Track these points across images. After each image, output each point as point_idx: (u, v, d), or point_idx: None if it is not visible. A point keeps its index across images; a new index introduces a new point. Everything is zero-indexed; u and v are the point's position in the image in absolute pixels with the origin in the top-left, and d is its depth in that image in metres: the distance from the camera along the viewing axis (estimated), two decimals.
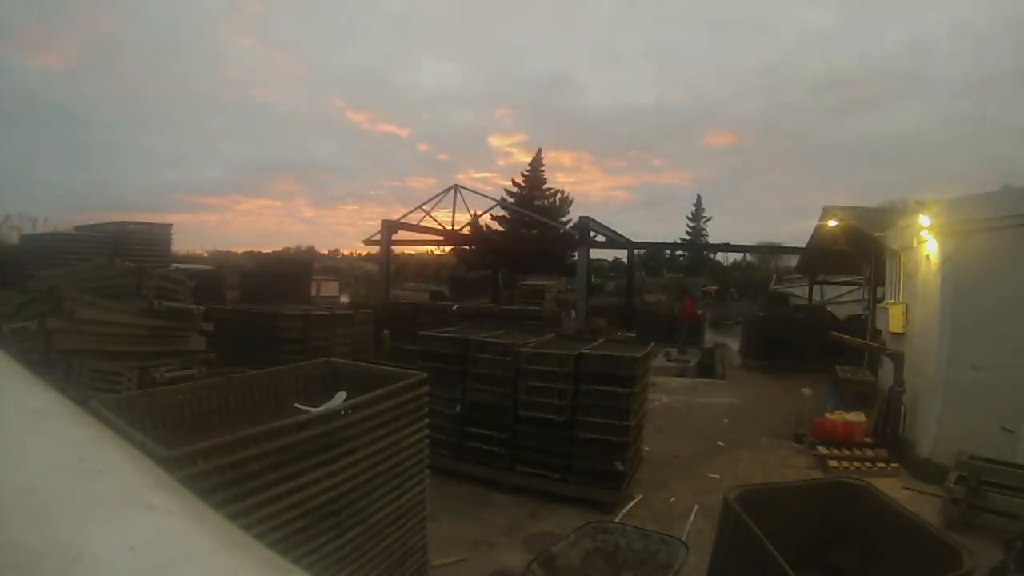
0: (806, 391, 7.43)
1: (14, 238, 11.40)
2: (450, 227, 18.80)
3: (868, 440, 6.49)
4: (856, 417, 6.58)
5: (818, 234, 11.84)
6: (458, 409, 5.58)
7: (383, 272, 15.73)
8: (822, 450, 6.30)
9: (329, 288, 20.54)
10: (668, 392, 9.96)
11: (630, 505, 4.97)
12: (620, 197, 66.12)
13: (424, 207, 18.04)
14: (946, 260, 5.85)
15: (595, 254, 23.75)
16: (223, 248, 40.20)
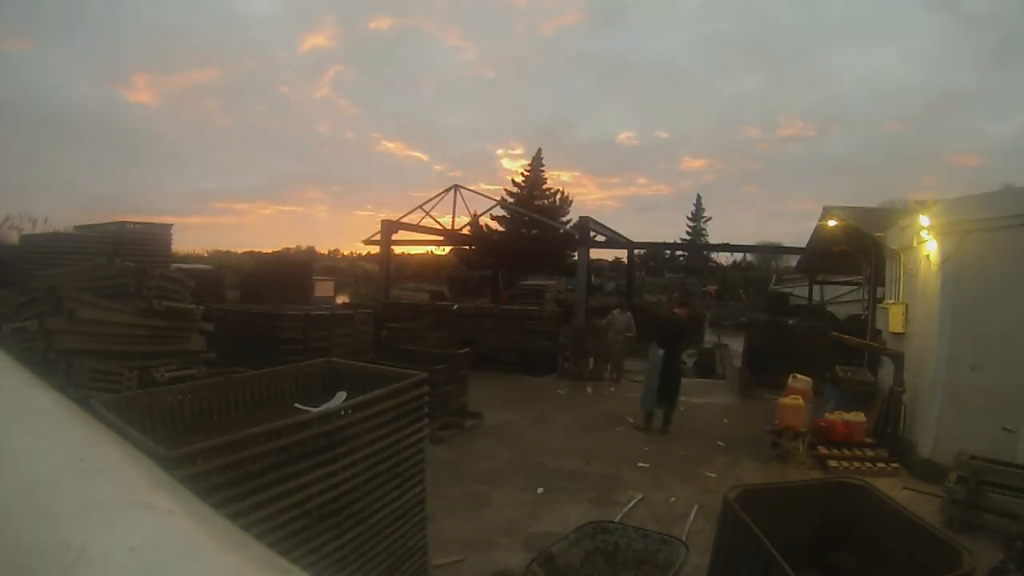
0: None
1: (14, 238, 11.43)
2: (450, 227, 18.79)
3: (868, 440, 6.49)
4: (856, 417, 6.58)
5: (818, 234, 11.83)
6: None
7: (383, 272, 15.71)
8: (822, 450, 6.30)
9: (324, 288, 20.40)
10: None
11: (630, 505, 4.98)
12: (612, 206, 77.22)
13: (424, 207, 18.03)
14: (946, 260, 5.85)
15: (595, 254, 23.76)
16: (224, 248, 40.25)
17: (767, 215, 78.78)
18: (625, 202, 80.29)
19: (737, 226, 79.26)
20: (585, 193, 73.21)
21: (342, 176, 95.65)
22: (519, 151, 76.73)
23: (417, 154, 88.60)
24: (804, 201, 79.33)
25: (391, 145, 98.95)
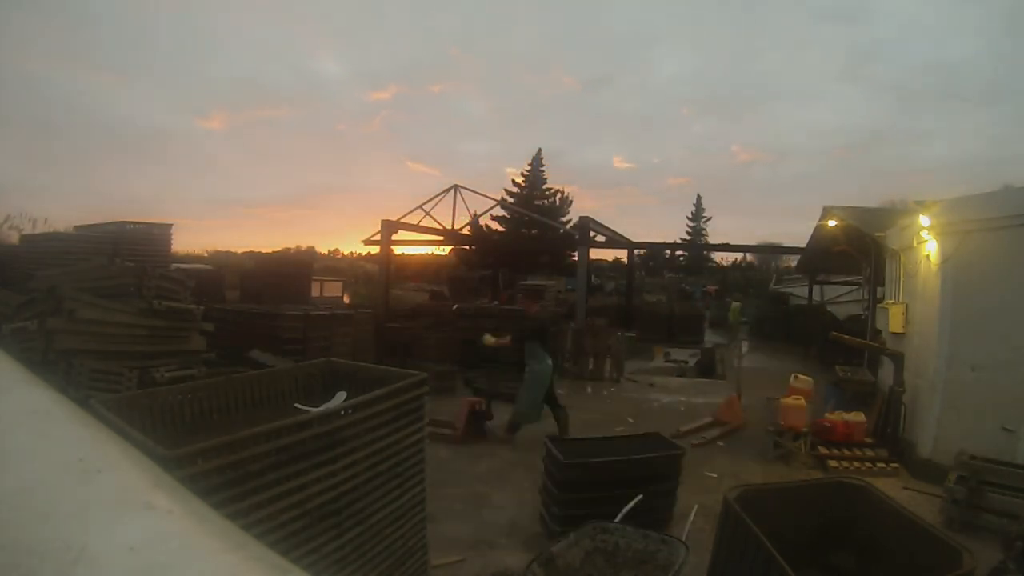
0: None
1: (14, 238, 11.41)
2: (450, 227, 18.78)
3: (868, 440, 6.48)
4: (856, 417, 6.57)
5: (818, 234, 11.84)
6: None
7: (383, 272, 15.69)
8: (822, 450, 6.30)
9: (332, 288, 20.62)
10: (668, 392, 9.96)
11: (630, 505, 4.96)
12: (609, 212, 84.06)
13: (424, 207, 18.02)
14: (946, 260, 5.85)
15: (595, 254, 23.79)
16: (224, 248, 40.33)
17: (748, 219, 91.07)
18: (620, 209, 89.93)
19: (722, 229, 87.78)
20: (582, 201, 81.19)
21: (361, 186, 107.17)
22: (525, 169, 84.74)
23: (431, 171, 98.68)
24: (778, 208, 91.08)
25: (412, 165, 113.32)
